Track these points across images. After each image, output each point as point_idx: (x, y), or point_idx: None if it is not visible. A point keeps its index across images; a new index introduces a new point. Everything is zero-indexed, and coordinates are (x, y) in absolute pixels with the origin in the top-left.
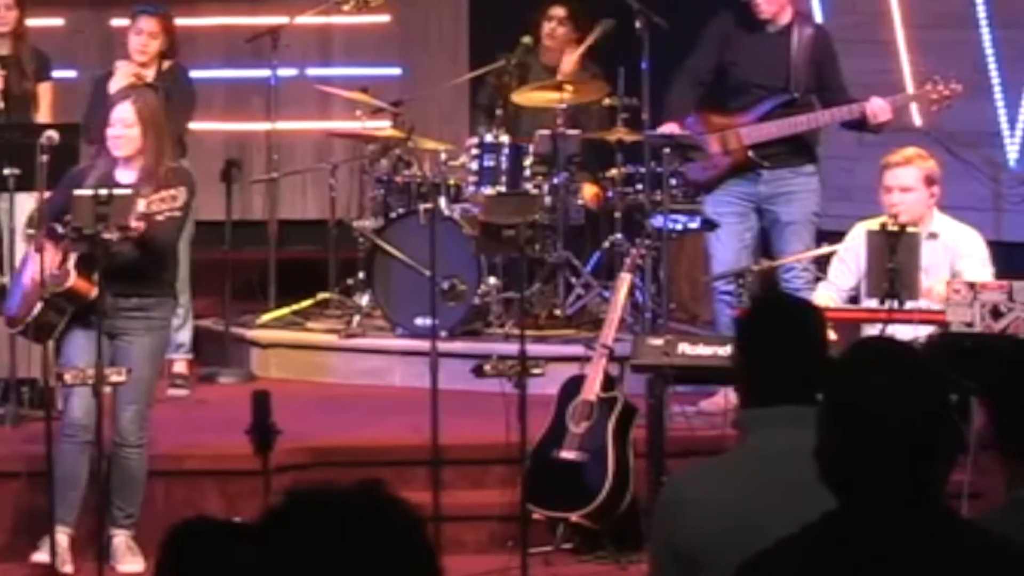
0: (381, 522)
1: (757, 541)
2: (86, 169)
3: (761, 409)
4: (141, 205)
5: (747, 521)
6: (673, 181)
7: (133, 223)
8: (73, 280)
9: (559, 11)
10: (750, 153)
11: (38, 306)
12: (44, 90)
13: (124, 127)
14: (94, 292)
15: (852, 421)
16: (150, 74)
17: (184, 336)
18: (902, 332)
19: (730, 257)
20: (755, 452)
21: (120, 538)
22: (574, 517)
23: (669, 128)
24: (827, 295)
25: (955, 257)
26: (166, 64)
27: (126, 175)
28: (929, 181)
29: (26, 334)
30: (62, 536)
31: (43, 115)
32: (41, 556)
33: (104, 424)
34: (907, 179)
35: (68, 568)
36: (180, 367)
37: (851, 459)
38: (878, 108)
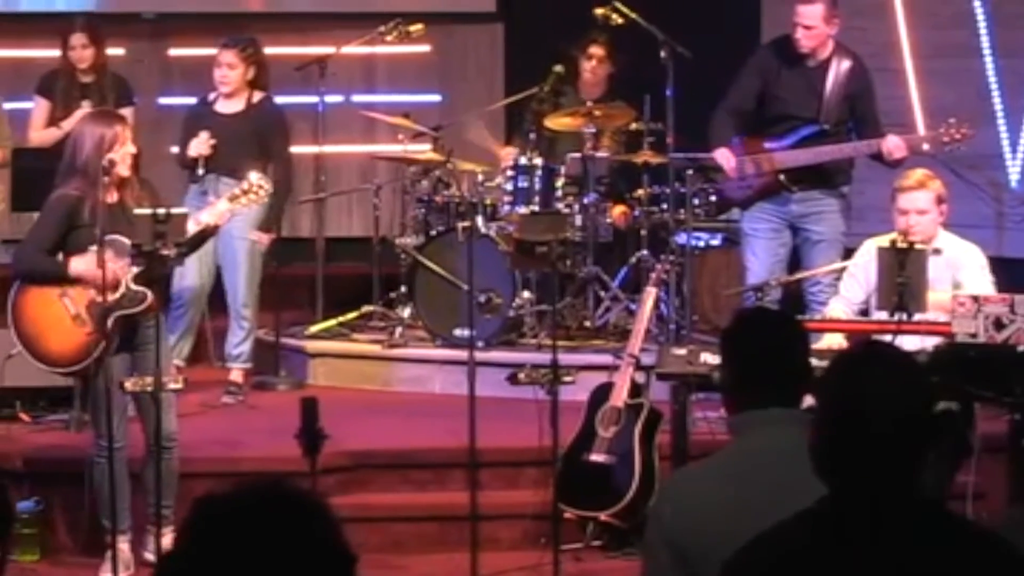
0: (288, 508)
1: (744, 534)
2: (75, 197)
3: (750, 412)
4: (223, 205)
5: (735, 516)
6: (696, 201)
7: (214, 220)
8: (151, 300)
9: (599, 51)
10: (780, 177)
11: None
12: (125, 115)
13: (125, 147)
14: (149, 296)
15: (845, 420)
16: (240, 104)
17: (245, 348)
18: (910, 342)
19: (764, 271)
20: (745, 452)
21: (169, 537)
22: (603, 516)
23: (721, 154)
24: (840, 308)
25: (956, 270)
26: (256, 97)
27: (111, 195)
28: (939, 201)
29: (86, 369)
30: (124, 544)
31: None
32: (105, 575)
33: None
34: (922, 202)
35: (131, 570)
36: (236, 376)
37: (842, 453)
38: (893, 146)
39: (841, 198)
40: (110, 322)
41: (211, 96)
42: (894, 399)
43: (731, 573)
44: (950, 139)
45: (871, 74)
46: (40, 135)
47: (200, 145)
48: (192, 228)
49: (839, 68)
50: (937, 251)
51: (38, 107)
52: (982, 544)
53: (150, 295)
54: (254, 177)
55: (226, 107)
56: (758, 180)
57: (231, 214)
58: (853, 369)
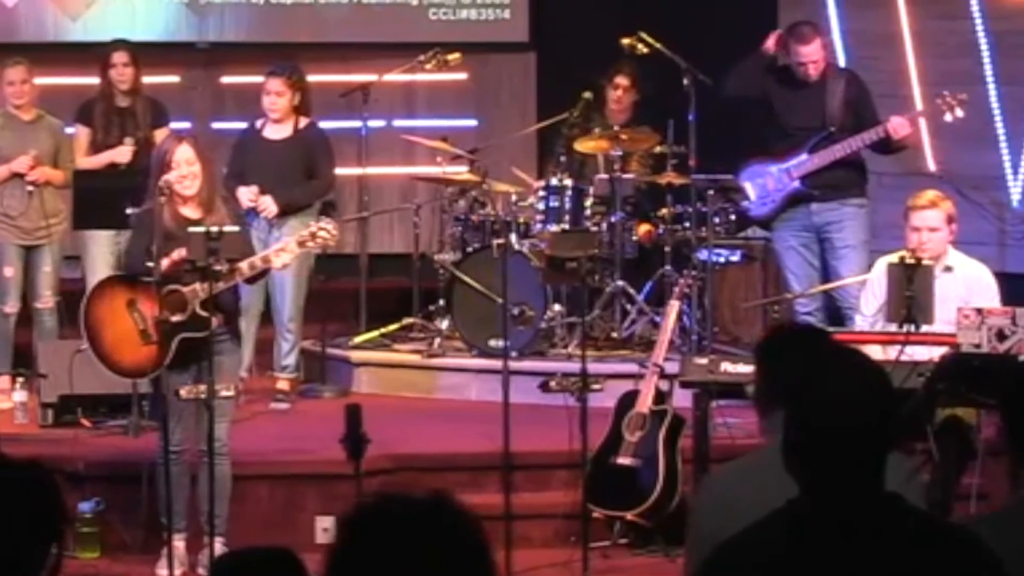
0: (449, 523)
1: None
2: (146, 211)
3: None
4: (293, 248)
5: (758, 513)
6: (716, 219)
7: (268, 263)
8: (215, 326)
9: (624, 80)
10: (796, 183)
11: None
12: (160, 136)
13: (188, 166)
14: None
15: (812, 424)
16: (287, 130)
17: (292, 359)
18: (918, 352)
19: (800, 284)
20: (774, 452)
21: (218, 546)
22: (629, 516)
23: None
24: (864, 327)
25: (970, 292)
26: (303, 122)
27: (189, 210)
28: (950, 220)
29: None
30: (179, 543)
31: None
32: (162, 571)
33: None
34: (934, 220)
35: (185, 567)
36: (283, 385)
37: (810, 455)
38: (897, 124)
39: (859, 208)
40: (175, 342)
41: (259, 123)
42: (859, 404)
43: (709, 571)
44: (948, 108)
45: (861, 79)
46: (84, 162)
47: (243, 195)
48: (260, 266)
49: (836, 80)
50: (948, 268)
51: (79, 134)
52: (949, 538)
53: (215, 322)
54: (324, 221)
55: (274, 133)
56: (779, 193)
57: (295, 255)
58: (820, 374)
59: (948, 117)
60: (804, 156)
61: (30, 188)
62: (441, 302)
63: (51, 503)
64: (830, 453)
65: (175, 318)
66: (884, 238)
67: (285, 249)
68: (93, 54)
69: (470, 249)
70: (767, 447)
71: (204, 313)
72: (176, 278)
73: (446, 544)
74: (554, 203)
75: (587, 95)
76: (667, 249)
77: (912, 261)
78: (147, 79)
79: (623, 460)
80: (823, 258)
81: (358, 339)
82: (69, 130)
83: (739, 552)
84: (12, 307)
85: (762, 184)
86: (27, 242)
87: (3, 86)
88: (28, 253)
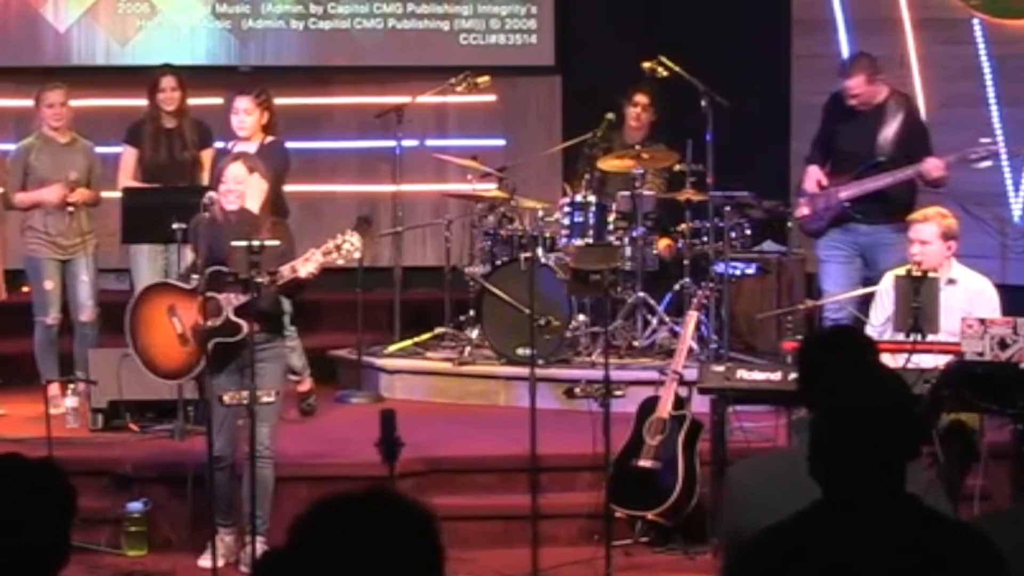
0: (395, 513)
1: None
2: (197, 221)
3: (807, 416)
4: (318, 258)
5: (774, 505)
6: (733, 234)
7: (295, 272)
8: (246, 331)
9: (643, 98)
10: (846, 205)
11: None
12: (206, 156)
13: (236, 183)
14: (245, 328)
15: (840, 429)
16: (253, 147)
17: (302, 360)
18: (924, 360)
19: (839, 292)
20: (796, 450)
21: (259, 545)
22: (650, 515)
23: (813, 170)
24: (872, 334)
25: (972, 304)
26: (267, 139)
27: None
28: (946, 236)
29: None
30: (228, 537)
31: (205, 178)
32: (205, 562)
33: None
34: (925, 234)
35: (232, 559)
36: (305, 386)
37: (837, 457)
38: (931, 166)
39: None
40: (210, 346)
41: (230, 144)
42: (882, 413)
43: (733, 567)
44: (977, 156)
45: (920, 114)
46: (130, 183)
47: None
48: (288, 275)
49: (893, 111)
50: (952, 281)
51: (127, 154)
52: (955, 533)
53: (245, 326)
54: (349, 234)
55: (242, 150)
56: (828, 212)
57: (320, 266)
58: (847, 385)
59: (982, 165)
60: (851, 181)
61: (71, 209)
62: (471, 312)
63: (66, 503)
64: (855, 455)
65: (209, 323)
66: None
67: (309, 259)
68: (141, 77)
69: (499, 262)
70: (791, 446)
71: (236, 319)
72: (216, 286)
73: (394, 532)
74: (578, 218)
75: (610, 116)
76: (686, 262)
77: (918, 273)
78: (191, 101)
79: (644, 463)
80: (866, 276)
81: (392, 347)
82: (103, 150)
83: (757, 550)
84: (54, 319)
85: (814, 202)
86: (63, 256)
87: (42, 108)
88: (64, 266)
